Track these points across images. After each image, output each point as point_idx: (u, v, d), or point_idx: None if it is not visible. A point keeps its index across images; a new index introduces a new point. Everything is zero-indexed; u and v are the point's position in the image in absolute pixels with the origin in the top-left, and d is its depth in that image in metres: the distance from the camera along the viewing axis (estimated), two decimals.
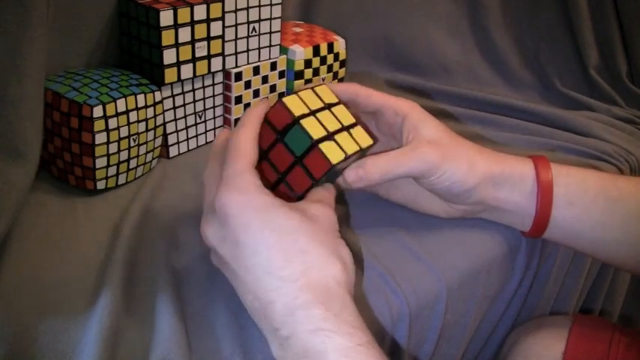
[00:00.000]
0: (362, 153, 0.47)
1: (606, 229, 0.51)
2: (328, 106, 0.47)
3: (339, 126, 0.46)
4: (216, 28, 0.63)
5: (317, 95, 0.47)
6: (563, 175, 0.51)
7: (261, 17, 0.68)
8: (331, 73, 0.77)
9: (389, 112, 0.51)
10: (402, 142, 0.50)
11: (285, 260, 0.38)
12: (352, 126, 0.47)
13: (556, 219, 0.51)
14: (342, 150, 0.45)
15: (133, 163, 0.59)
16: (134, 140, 0.57)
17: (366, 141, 0.47)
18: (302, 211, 0.41)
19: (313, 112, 0.45)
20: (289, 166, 0.45)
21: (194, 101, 0.66)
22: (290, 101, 0.45)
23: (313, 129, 0.44)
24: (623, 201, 0.51)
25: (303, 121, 0.44)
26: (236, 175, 0.41)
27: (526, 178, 0.51)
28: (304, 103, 0.45)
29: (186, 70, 0.62)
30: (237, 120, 0.70)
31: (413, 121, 0.50)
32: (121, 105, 0.55)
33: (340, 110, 0.48)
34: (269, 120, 0.45)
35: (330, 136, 0.45)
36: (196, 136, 0.68)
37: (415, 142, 0.49)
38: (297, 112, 0.44)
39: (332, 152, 0.44)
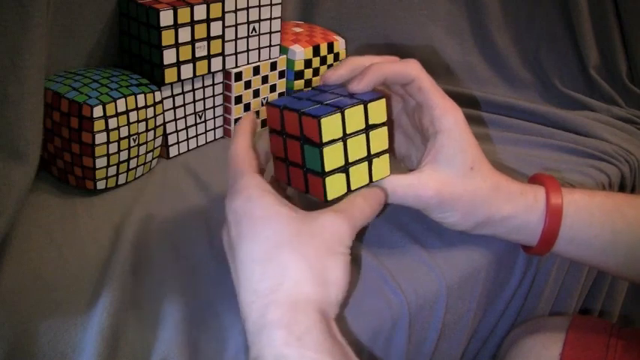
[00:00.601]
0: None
1: (609, 256, 0.51)
2: (368, 129, 0.44)
3: (364, 154, 0.44)
4: (216, 28, 0.63)
5: (365, 113, 0.43)
6: (571, 209, 0.50)
7: (261, 17, 0.68)
8: None
9: (427, 115, 0.48)
10: (420, 156, 0.50)
11: (262, 273, 0.37)
12: (380, 154, 0.45)
13: (558, 251, 0.52)
14: (347, 184, 0.43)
15: (133, 163, 0.59)
16: (134, 140, 0.57)
17: (383, 172, 0.45)
18: (302, 222, 0.39)
19: (345, 137, 0.42)
20: (301, 153, 0.43)
21: (194, 101, 0.66)
22: (327, 122, 0.41)
23: (331, 159, 0.42)
24: (629, 231, 0.50)
25: (326, 149, 0.41)
26: (239, 181, 0.41)
27: (536, 211, 0.50)
28: (344, 123, 0.42)
29: (186, 70, 0.62)
30: (237, 120, 0.70)
31: (443, 142, 0.47)
32: (121, 105, 0.55)
33: (379, 134, 0.44)
34: (302, 124, 0.42)
35: (344, 168, 0.43)
36: (196, 136, 0.68)
37: (428, 169, 0.47)
38: (325, 138, 0.41)
39: (333, 187, 0.43)
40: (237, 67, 0.68)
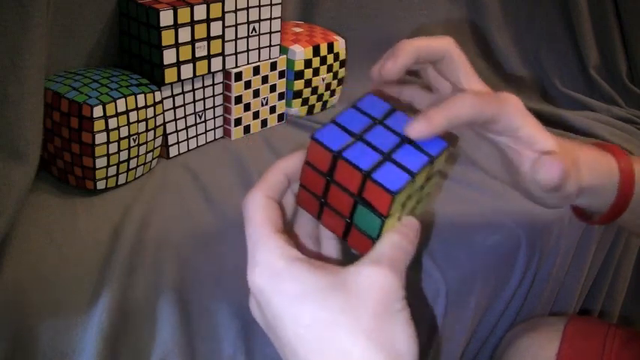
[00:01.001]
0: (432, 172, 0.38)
1: None
2: (427, 180, 0.38)
3: (416, 202, 0.39)
4: (216, 28, 0.63)
5: (430, 167, 0.37)
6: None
7: (261, 17, 0.68)
8: (331, 73, 0.77)
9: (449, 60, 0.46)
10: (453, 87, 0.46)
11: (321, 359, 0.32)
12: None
13: (622, 220, 0.48)
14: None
15: (132, 163, 0.59)
16: (134, 140, 0.57)
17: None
18: (342, 286, 0.33)
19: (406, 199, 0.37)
20: (351, 208, 0.37)
21: (194, 101, 0.66)
22: (399, 195, 0.35)
23: (390, 225, 0.36)
24: None
25: (388, 220, 0.36)
26: (259, 248, 0.35)
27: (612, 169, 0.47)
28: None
29: (186, 70, 0.62)
30: (237, 120, 0.70)
31: (468, 72, 0.46)
32: (121, 105, 0.55)
33: (434, 182, 0.39)
34: (365, 188, 0.35)
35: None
36: (196, 136, 0.68)
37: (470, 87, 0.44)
38: (392, 211, 0.35)
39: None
40: (237, 67, 0.68)
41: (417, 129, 0.37)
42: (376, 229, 0.36)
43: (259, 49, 0.69)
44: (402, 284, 0.34)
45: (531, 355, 0.58)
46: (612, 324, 0.60)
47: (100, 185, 0.57)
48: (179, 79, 0.62)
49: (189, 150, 0.68)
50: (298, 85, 0.74)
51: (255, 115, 0.72)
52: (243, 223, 0.55)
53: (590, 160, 0.47)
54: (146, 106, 0.57)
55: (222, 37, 0.64)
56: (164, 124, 0.63)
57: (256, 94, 0.71)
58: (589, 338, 0.58)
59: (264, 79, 0.71)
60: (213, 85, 0.67)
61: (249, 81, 0.69)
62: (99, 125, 0.54)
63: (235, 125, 0.70)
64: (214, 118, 0.69)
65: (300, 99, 0.76)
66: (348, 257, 0.38)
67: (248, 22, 0.66)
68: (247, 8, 0.66)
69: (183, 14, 0.59)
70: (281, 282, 0.33)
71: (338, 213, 0.38)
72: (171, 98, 0.63)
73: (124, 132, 0.56)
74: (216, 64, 0.65)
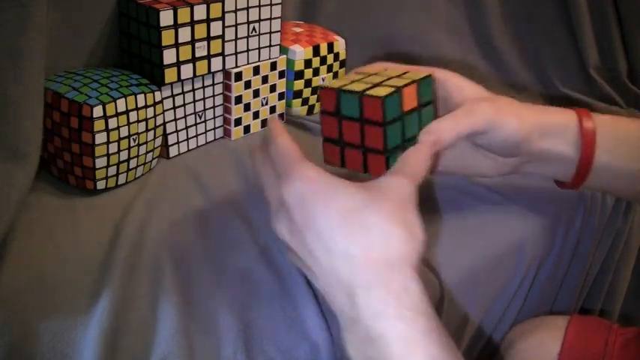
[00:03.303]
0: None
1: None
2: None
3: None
4: (216, 28, 0.63)
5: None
6: (604, 124, 0.51)
7: (261, 17, 0.68)
8: (331, 73, 0.77)
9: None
10: (450, 106, 0.50)
11: (347, 239, 0.38)
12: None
13: (597, 165, 0.52)
14: (392, 86, 0.45)
15: (132, 163, 0.59)
16: (134, 140, 0.57)
17: (419, 75, 0.48)
18: (368, 188, 0.40)
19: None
20: (360, 133, 0.45)
21: (194, 101, 0.66)
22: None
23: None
24: None
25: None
26: (294, 167, 0.41)
27: (570, 128, 0.51)
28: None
29: (186, 70, 0.62)
30: (237, 120, 0.70)
31: (455, 84, 0.51)
32: (121, 105, 0.55)
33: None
34: (363, 106, 0.45)
35: (375, 86, 0.46)
36: (196, 136, 0.68)
37: (468, 102, 0.49)
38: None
39: (379, 92, 0.44)
40: (237, 67, 0.68)
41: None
42: (380, 141, 0.44)
43: (259, 49, 0.69)
44: (417, 194, 0.40)
45: (533, 354, 0.58)
46: (614, 323, 0.60)
47: (100, 185, 0.57)
48: (179, 79, 0.62)
49: (189, 150, 0.68)
50: (298, 85, 0.74)
51: (255, 115, 0.72)
52: (243, 223, 0.56)
53: (549, 125, 0.51)
54: (146, 106, 0.57)
55: (222, 37, 0.64)
56: (164, 124, 0.63)
57: (256, 94, 0.71)
58: (591, 337, 0.58)
59: (264, 79, 0.71)
60: (213, 85, 0.67)
61: (249, 81, 0.69)
62: (99, 125, 0.54)
63: (235, 125, 0.70)
64: (214, 118, 0.69)
65: (300, 99, 0.76)
66: None
67: (248, 22, 0.66)
68: (247, 8, 0.66)
69: (183, 14, 0.59)
70: (315, 185, 0.39)
71: (354, 147, 0.46)
72: (172, 98, 0.63)
73: (124, 132, 0.56)
74: (216, 64, 0.65)
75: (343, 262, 0.37)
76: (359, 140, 0.46)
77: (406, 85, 0.45)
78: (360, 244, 0.37)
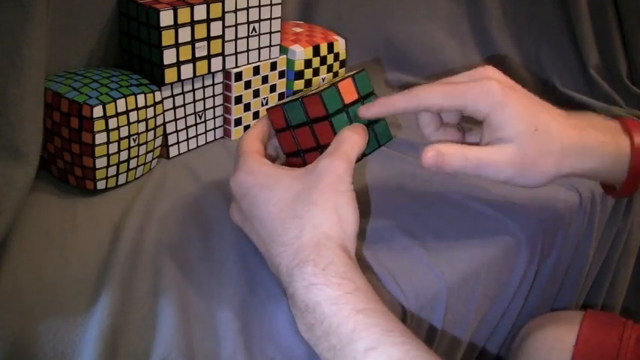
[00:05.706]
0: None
1: None
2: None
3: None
4: (216, 28, 0.63)
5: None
6: None
7: (261, 17, 0.68)
8: (331, 73, 0.77)
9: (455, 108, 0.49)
10: (481, 136, 0.49)
11: (285, 228, 0.43)
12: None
13: None
14: (332, 84, 0.48)
15: (133, 163, 0.59)
16: (134, 140, 0.57)
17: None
18: (305, 176, 0.45)
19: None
20: (312, 135, 0.49)
21: (194, 101, 0.66)
22: (327, 95, 0.48)
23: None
24: None
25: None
26: (241, 159, 0.47)
27: (621, 150, 0.50)
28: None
29: (186, 70, 0.62)
30: (237, 120, 0.70)
31: (495, 120, 0.47)
32: (121, 105, 0.55)
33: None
34: (306, 108, 0.49)
35: (313, 92, 0.49)
36: (196, 136, 0.68)
37: (497, 143, 0.47)
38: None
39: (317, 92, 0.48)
40: (237, 67, 0.68)
41: (372, 110, 0.49)
42: (330, 133, 0.48)
43: (259, 49, 0.69)
44: (350, 171, 0.45)
45: (548, 348, 0.58)
46: (629, 319, 0.61)
47: (100, 185, 0.57)
48: (179, 79, 0.62)
49: (189, 150, 0.68)
50: (298, 85, 0.74)
51: (255, 115, 0.72)
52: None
53: (592, 143, 0.49)
54: (146, 106, 0.57)
55: (222, 37, 0.64)
56: (164, 124, 0.63)
57: (256, 94, 0.71)
58: (606, 332, 0.58)
59: (264, 79, 0.71)
60: (213, 85, 0.67)
61: (249, 81, 0.69)
62: (99, 125, 0.54)
63: (235, 125, 0.70)
64: (214, 118, 0.69)
65: None
66: None
67: (248, 22, 0.66)
68: (247, 8, 0.66)
69: (183, 14, 0.59)
70: (256, 177, 0.45)
71: (311, 149, 0.49)
72: (171, 98, 0.63)
73: (124, 132, 0.56)
74: (216, 64, 0.65)
75: (282, 248, 0.43)
76: (314, 142, 0.49)
77: (340, 81, 0.49)
78: (293, 232, 0.43)
